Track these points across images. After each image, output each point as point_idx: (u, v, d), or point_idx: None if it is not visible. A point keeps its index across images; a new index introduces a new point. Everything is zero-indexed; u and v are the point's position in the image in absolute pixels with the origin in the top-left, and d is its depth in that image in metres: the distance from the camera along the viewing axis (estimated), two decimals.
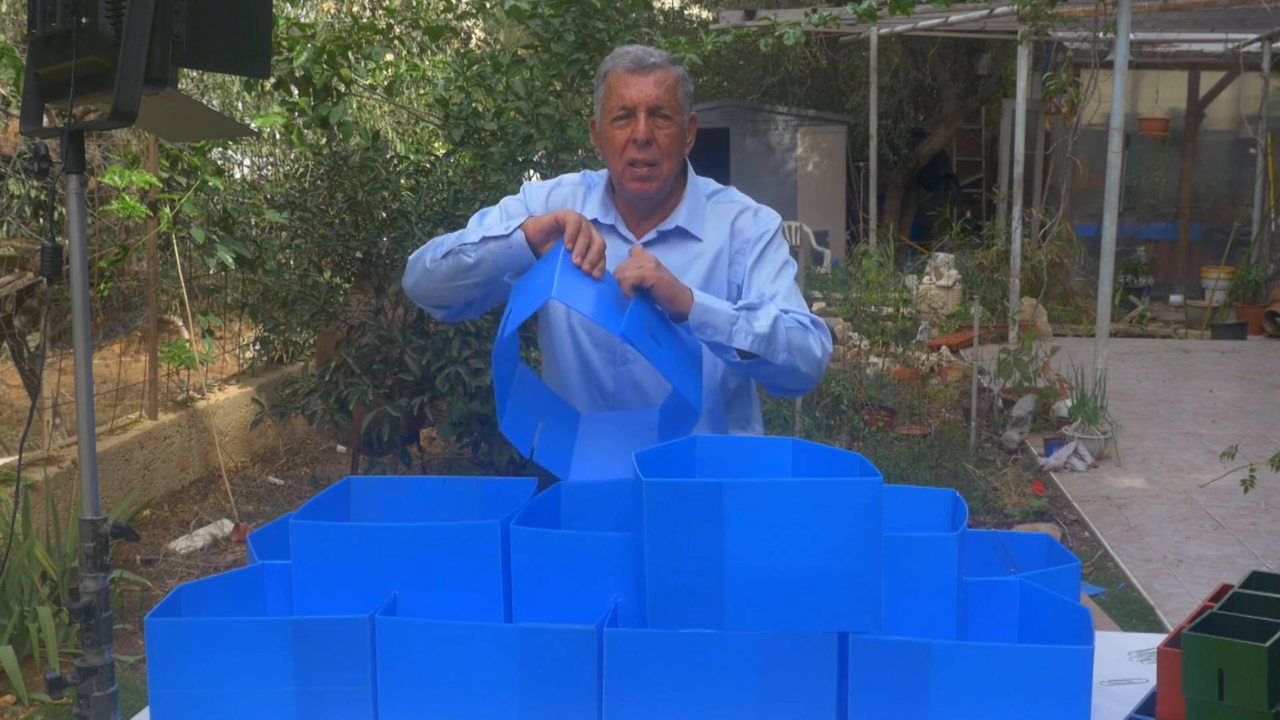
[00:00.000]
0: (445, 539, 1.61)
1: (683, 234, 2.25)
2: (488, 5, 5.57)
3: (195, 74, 7.08)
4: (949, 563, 1.57)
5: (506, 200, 2.31)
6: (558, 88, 5.19)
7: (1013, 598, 1.66)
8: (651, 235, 2.25)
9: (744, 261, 2.25)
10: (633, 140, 2.15)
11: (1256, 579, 1.63)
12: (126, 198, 4.85)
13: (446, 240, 2.11)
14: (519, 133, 4.95)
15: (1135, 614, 4.07)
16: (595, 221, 2.23)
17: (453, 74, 5.44)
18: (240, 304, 6.61)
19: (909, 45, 13.29)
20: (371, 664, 1.55)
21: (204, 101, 5.70)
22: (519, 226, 2.01)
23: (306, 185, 4.80)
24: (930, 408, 6.78)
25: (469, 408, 4.54)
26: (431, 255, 2.12)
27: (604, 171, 2.31)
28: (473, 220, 2.22)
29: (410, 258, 2.20)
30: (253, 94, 6.52)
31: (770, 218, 2.29)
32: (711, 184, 2.31)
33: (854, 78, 14.11)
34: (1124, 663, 1.82)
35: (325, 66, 5.09)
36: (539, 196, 2.29)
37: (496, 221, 2.17)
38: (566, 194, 2.30)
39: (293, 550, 1.64)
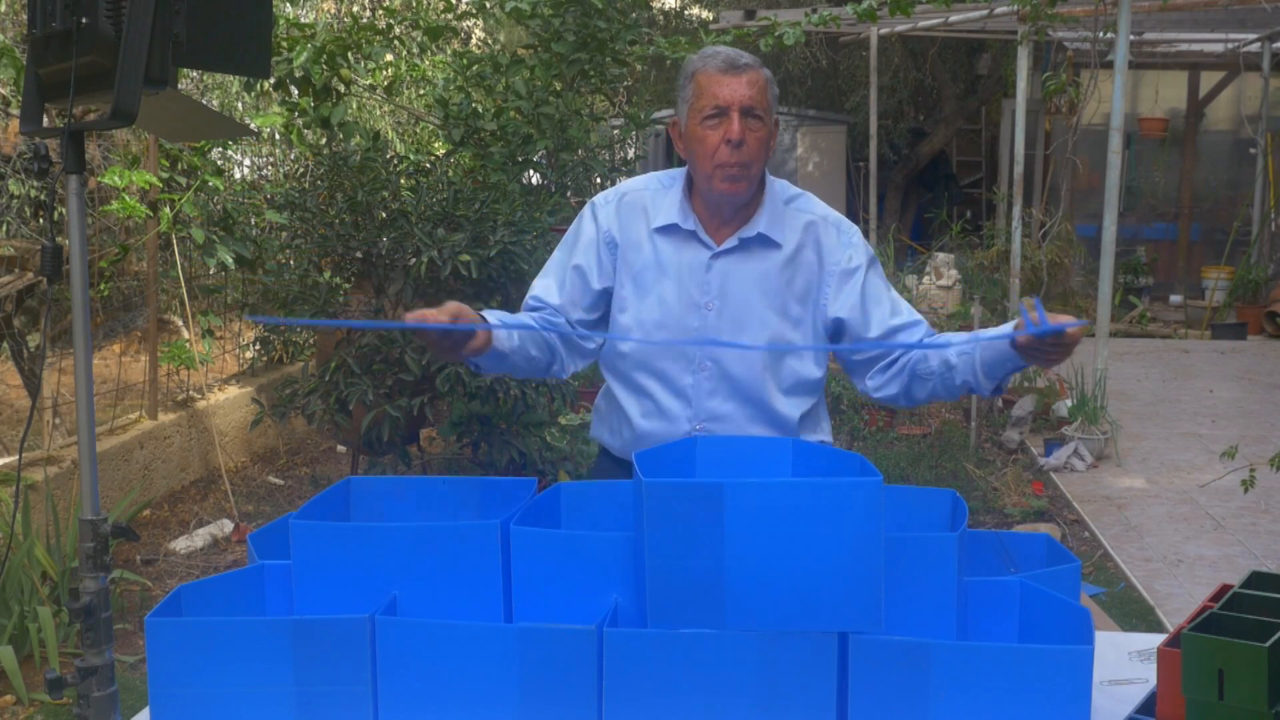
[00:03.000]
0: (445, 539, 1.61)
1: (764, 241, 2.20)
2: (488, 5, 5.57)
3: (195, 74, 7.08)
4: (949, 563, 1.57)
5: (570, 236, 2.32)
6: (558, 88, 5.20)
7: (1013, 598, 1.65)
8: (733, 242, 2.20)
9: (850, 294, 2.20)
10: (726, 141, 2.11)
11: (1256, 579, 1.63)
12: (126, 198, 4.85)
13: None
14: (519, 133, 4.95)
15: (1135, 614, 4.07)
16: (674, 226, 2.21)
17: (452, 74, 5.45)
18: (240, 304, 6.61)
19: (909, 45, 13.28)
20: (371, 664, 1.55)
21: (204, 101, 5.70)
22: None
23: (306, 185, 4.81)
24: (930, 408, 6.78)
25: (469, 408, 4.54)
26: None
27: (676, 172, 2.27)
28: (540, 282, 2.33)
29: None
30: (253, 94, 6.52)
31: (853, 232, 2.25)
32: (789, 188, 2.28)
33: (854, 78, 14.10)
34: (1124, 663, 1.82)
35: (325, 67, 5.10)
36: (608, 214, 2.26)
37: (560, 272, 2.30)
38: (636, 202, 2.25)
39: (293, 550, 1.64)
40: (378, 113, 8.70)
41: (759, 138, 2.13)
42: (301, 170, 5.08)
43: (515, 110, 5.02)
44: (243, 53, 1.71)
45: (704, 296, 2.20)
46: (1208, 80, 11.51)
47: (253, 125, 6.08)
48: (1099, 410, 6.04)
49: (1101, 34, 7.15)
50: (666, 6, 15.19)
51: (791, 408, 2.22)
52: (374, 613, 1.56)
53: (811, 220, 2.23)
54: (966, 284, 9.67)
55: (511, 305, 4.59)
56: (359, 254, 4.60)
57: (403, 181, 4.78)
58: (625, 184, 2.33)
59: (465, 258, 4.27)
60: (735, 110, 2.11)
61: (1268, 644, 1.38)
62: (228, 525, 5.00)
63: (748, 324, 2.19)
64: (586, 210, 2.31)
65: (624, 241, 2.24)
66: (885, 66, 12.86)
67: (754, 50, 6.07)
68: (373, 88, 5.86)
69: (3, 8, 6.50)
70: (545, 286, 2.29)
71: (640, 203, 2.25)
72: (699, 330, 2.18)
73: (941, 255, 10.09)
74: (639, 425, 2.25)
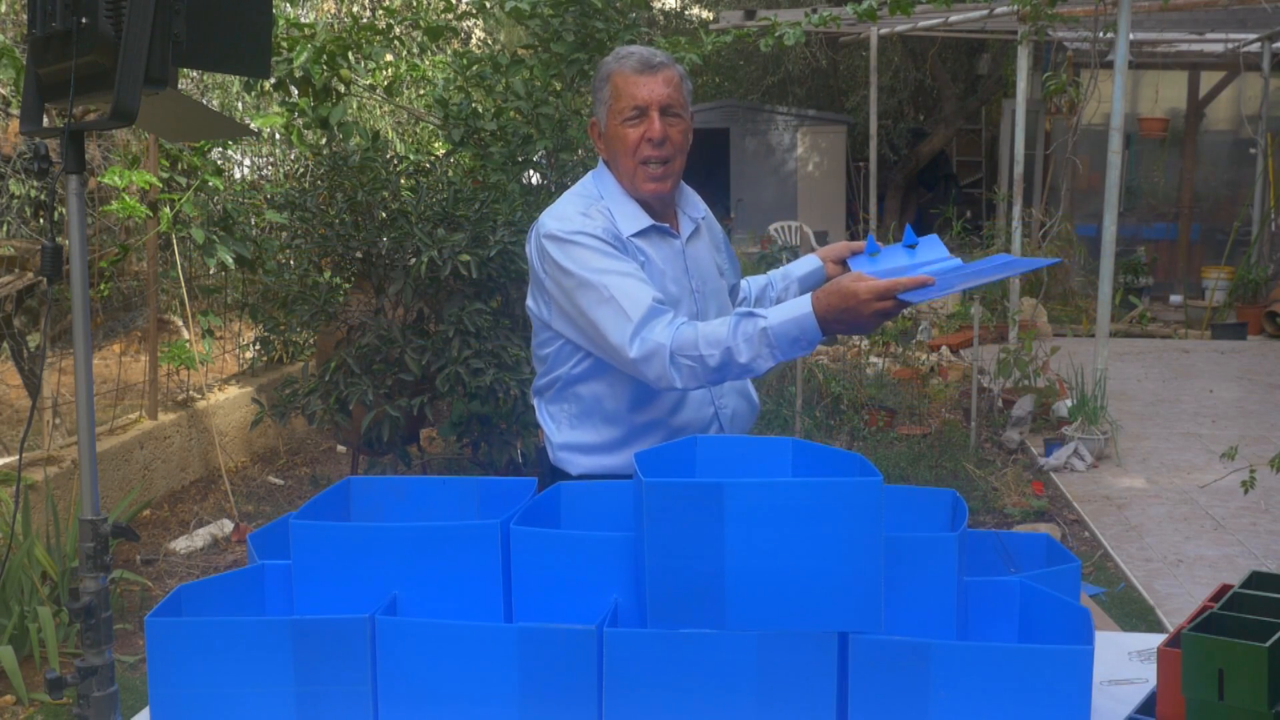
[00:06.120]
0: (445, 539, 1.61)
1: (706, 219, 2.37)
2: (488, 5, 5.57)
3: (195, 74, 7.08)
4: (949, 563, 1.57)
5: (595, 254, 2.10)
6: (558, 88, 5.19)
7: (1013, 598, 1.65)
8: (690, 227, 2.32)
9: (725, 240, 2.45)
10: (648, 139, 2.15)
11: (1256, 579, 1.63)
12: (126, 198, 4.86)
13: (718, 360, 2.00)
14: (519, 133, 4.95)
15: (1135, 614, 4.07)
16: (652, 229, 2.20)
17: (452, 74, 5.45)
18: (240, 304, 6.62)
19: (909, 45, 13.29)
20: (371, 664, 1.55)
21: (204, 101, 5.70)
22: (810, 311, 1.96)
23: (306, 185, 4.81)
24: (930, 408, 6.78)
25: (469, 408, 4.54)
26: (709, 377, 2.03)
27: (587, 191, 2.23)
28: (623, 295, 2.05)
29: (663, 372, 2.03)
30: (253, 94, 6.52)
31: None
32: None
33: (854, 78, 14.11)
34: (1124, 663, 1.81)
35: (325, 67, 5.10)
36: (597, 224, 2.13)
37: (639, 285, 2.06)
38: (599, 213, 2.16)
39: (293, 550, 1.64)
40: (378, 113, 8.70)
41: (680, 132, 2.20)
42: (301, 170, 5.07)
43: (515, 110, 5.02)
44: (243, 53, 1.71)
45: (690, 281, 2.27)
46: (1208, 80, 11.51)
47: (253, 125, 6.08)
48: (1099, 410, 6.04)
49: (1101, 34, 7.15)
50: (666, 6, 15.19)
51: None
52: (374, 613, 1.56)
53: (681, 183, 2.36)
54: None
55: (511, 305, 4.59)
56: (359, 254, 4.60)
57: (403, 181, 4.78)
58: (581, 210, 2.18)
59: (465, 258, 4.27)
60: (654, 109, 2.16)
61: (1268, 644, 1.38)
62: (228, 525, 5.00)
63: (716, 296, 2.33)
64: (576, 235, 2.13)
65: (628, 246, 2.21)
66: (885, 66, 12.86)
67: (754, 50, 6.07)
68: (373, 88, 5.86)
69: (3, 8, 6.50)
70: (652, 293, 2.08)
71: (603, 216, 2.17)
72: (696, 315, 2.26)
73: None
74: (671, 419, 2.23)
